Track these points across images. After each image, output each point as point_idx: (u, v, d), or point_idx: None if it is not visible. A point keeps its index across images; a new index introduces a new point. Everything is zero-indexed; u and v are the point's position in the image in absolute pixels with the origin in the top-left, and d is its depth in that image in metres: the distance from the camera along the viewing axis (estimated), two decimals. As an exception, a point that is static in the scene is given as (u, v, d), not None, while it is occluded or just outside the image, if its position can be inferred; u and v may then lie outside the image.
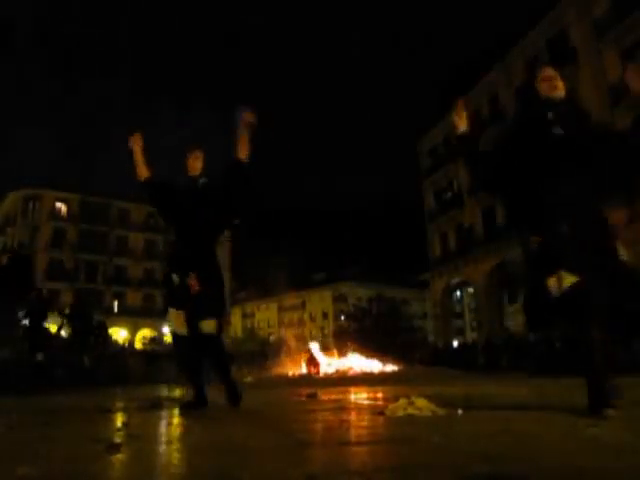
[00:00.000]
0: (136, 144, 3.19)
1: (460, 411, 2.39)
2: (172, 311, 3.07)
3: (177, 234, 3.21)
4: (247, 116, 3.04)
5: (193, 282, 2.97)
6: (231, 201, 3.15)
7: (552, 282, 2.13)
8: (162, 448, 1.54)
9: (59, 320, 8.92)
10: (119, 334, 34.62)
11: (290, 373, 13.25)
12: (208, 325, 3.03)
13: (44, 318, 8.00)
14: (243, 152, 3.07)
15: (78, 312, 9.06)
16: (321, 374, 12.86)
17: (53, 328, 9.47)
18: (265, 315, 57.91)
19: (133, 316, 39.01)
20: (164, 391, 6.30)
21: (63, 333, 9.28)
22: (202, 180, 3.19)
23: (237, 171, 3.10)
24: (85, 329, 8.92)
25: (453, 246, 29.95)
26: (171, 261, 3.25)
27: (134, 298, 40.35)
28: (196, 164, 3.19)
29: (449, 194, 30.73)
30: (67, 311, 9.09)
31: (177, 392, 6.07)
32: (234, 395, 3.11)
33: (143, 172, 3.19)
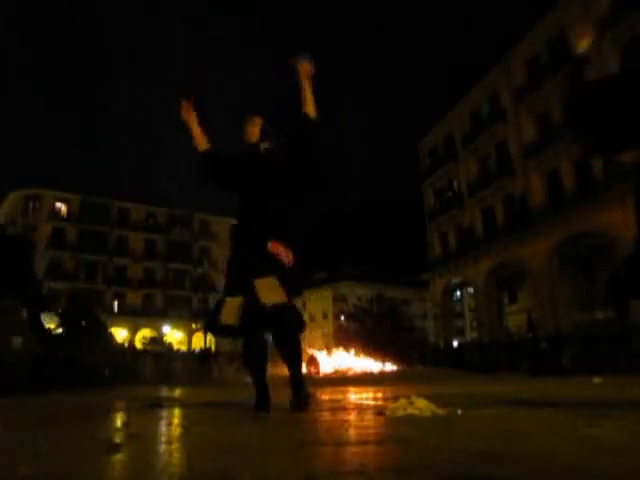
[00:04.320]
0: (188, 114, 2.84)
1: (460, 411, 2.39)
2: (266, 280, 2.51)
3: (242, 204, 2.81)
4: (304, 67, 2.76)
5: (281, 249, 2.57)
6: (301, 162, 2.83)
7: None
8: (162, 448, 1.54)
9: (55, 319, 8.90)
10: (119, 334, 34.62)
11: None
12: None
13: (43, 310, 7.89)
14: (309, 108, 2.79)
15: (74, 311, 9.05)
16: (321, 374, 12.87)
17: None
18: (265, 315, 57.74)
19: (133, 316, 39.05)
20: (164, 391, 6.31)
21: (59, 330, 9.28)
22: (264, 145, 2.90)
23: (305, 130, 2.80)
24: (81, 327, 8.89)
25: (453, 246, 29.97)
26: (238, 231, 2.79)
27: (134, 298, 40.37)
28: (254, 130, 2.90)
29: (449, 194, 30.75)
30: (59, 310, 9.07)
31: (177, 392, 6.07)
32: (301, 395, 2.63)
33: (202, 143, 2.87)
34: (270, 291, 2.49)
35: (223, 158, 2.94)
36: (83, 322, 9.07)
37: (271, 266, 2.53)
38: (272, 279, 2.51)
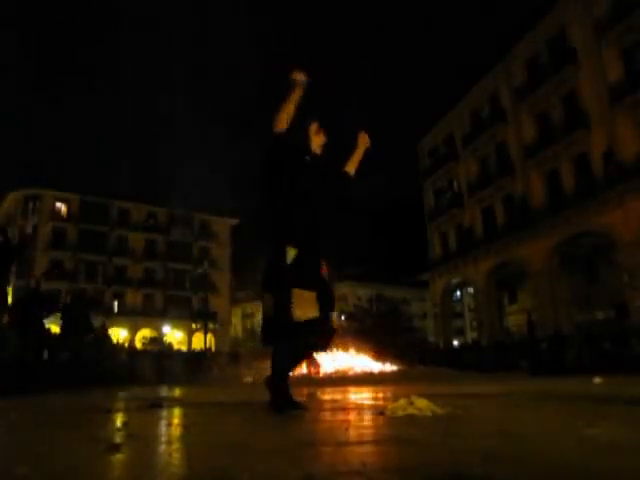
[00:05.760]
0: (300, 83, 2.70)
1: (460, 411, 2.39)
2: (299, 291, 2.52)
3: (294, 203, 2.71)
4: (364, 138, 3.11)
5: (325, 268, 2.68)
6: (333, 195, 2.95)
7: None
8: (162, 448, 1.54)
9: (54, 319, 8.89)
10: (119, 334, 34.64)
11: (290, 373, 13.25)
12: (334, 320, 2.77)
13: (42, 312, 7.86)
14: (352, 168, 3.07)
15: (72, 310, 9.04)
16: (321, 374, 12.87)
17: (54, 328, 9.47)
18: (265, 315, 57.58)
19: (133, 316, 39.06)
20: (164, 391, 6.31)
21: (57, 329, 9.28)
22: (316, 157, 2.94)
23: (342, 179, 3.04)
24: (79, 327, 8.88)
25: (453, 246, 29.98)
26: (288, 230, 2.65)
27: (134, 298, 40.38)
28: (318, 140, 2.93)
29: (449, 194, 30.76)
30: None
31: (177, 392, 6.08)
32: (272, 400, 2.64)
33: (283, 123, 2.72)
34: (307, 305, 2.54)
35: (292, 150, 2.82)
36: (82, 323, 9.06)
37: (316, 283, 2.60)
38: (311, 294, 2.56)
